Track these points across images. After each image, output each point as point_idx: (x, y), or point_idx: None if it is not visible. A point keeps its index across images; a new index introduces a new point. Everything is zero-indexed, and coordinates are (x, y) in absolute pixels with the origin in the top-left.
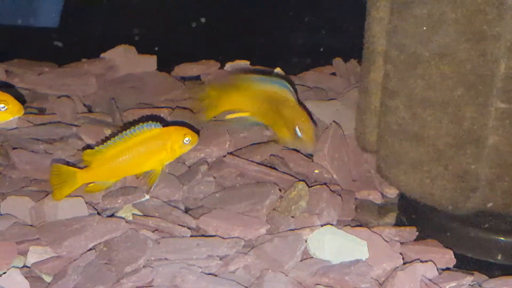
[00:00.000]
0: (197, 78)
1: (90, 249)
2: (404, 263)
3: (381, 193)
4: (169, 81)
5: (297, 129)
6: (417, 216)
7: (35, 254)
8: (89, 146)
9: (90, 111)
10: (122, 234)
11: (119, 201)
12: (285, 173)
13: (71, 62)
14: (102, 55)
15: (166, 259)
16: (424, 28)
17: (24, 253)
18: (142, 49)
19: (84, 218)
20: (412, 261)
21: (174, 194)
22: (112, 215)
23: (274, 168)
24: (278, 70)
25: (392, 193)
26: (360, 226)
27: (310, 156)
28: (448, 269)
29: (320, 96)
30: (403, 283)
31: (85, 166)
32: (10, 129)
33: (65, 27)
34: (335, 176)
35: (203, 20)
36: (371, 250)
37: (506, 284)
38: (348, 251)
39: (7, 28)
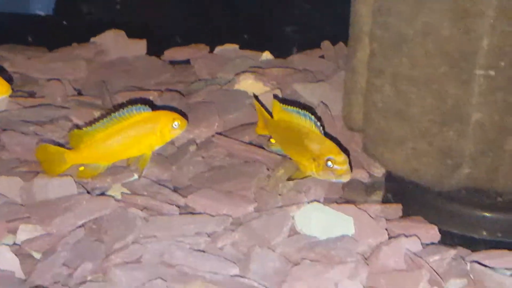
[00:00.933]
0: (187, 62)
1: (80, 227)
2: (389, 239)
3: (368, 172)
4: (158, 65)
5: (329, 163)
6: (403, 194)
7: (25, 232)
8: (77, 127)
9: (80, 94)
10: (111, 212)
11: (108, 180)
12: (273, 152)
13: (61, 47)
14: (92, 39)
15: (154, 236)
16: (408, 6)
17: (14, 231)
18: (132, 34)
19: (73, 196)
20: (397, 236)
21: (163, 174)
22: (102, 194)
23: (262, 148)
24: (266, 53)
25: (379, 172)
26: (347, 203)
27: None
28: (432, 244)
29: (309, 79)
30: (387, 257)
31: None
32: (0, 112)
33: (56, 12)
34: None
35: (192, 4)
36: (357, 226)
37: (488, 257)
38: (335, 227)
39: None
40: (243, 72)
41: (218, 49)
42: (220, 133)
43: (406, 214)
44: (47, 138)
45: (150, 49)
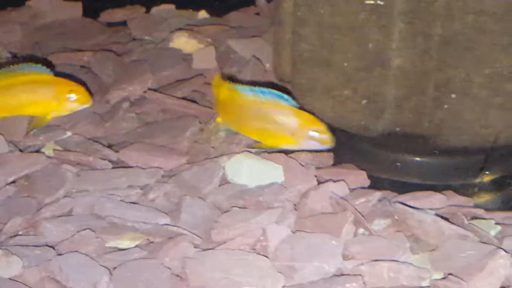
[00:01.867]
0: (123, 23)
1: (10, 184)
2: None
3: None
4: (94, 27)
5: (311, 132)
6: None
7: None
8: None
9: (15, 57)
10: (42, 168)
11: (40, 138)
12: (206, 106)
13: None
14: (27, 3)
15: (86, 190)
16: None
17: None
18: None
19: (3, 154)
20: (325, 182)
21: (97, 131)
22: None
23: (195, 102)
24: (202, 12)
25: None
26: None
27: None
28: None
29: (243, 35)
30: (315, 201)
31: None
32: None
33: None
34: None
35: None
36: (286, 174)
37: (414, 198)
38: (264, 175)
39: None
40: (178, 30)
41: (154, 9)
42: (153, 90)
43: (338, 162)
44: None
45: (86, 11)
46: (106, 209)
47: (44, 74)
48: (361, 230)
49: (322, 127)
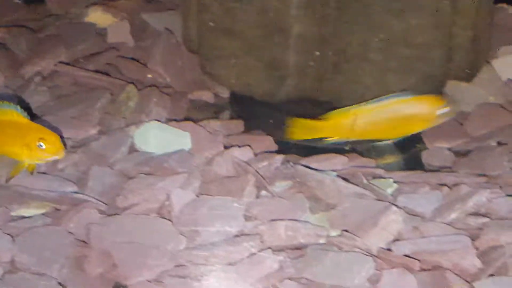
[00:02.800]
0: (42, 1)
1: None
2: None
3: (214, 94)
4: (11, 3)
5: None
6: (243, 109)
7: None
8: None
9: None
10: None
11: None
12: (117, 78)
13: None
14: None
15: None
16: None
17: None
18: None
19: None
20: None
21: None
22: None
23: (107, 74)
24: None
25: (224, 92)
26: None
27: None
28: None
29: (158, 8)
30: (219, 166)
31: None
32: None
33: None
34: (168, 80)
35: None
36: (194, 141)
37: (317, 161)
38: (172, 142)
39: None
40: (93, 4)
41: None
42: (66, 63)
43: (249, 128)
44: None
45: None
46: (12, 179)
47: (19, 116)
48: (263, 192)
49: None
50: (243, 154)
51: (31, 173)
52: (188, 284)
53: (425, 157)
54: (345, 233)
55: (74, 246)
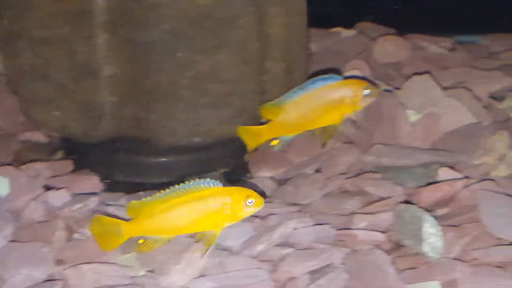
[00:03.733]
0: None
1: None
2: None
3: (48, 134)
4: None
5: None
6: (71, 149)
7: None
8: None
9: None
10: None
11: None
12: None
13: None
14: None
15: None
16: None
17: None
18: None
19: None
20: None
21: None
22: None
23: None
24: None
25: None
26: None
27: None
28: (94, 193)
29: None
30: (33, 211)
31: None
32: None
33: None
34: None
35: None
36: (12, 186)
37: (135, 198)
38: None
39: None
40: None
41: None
42: None
43: (78, 168)
44: None
45: None
46: None
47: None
48: (76, 235)
49: None
50: (58, 197)
51: None
52: None
53: (249, 187)
54: (149, 273)
55: None
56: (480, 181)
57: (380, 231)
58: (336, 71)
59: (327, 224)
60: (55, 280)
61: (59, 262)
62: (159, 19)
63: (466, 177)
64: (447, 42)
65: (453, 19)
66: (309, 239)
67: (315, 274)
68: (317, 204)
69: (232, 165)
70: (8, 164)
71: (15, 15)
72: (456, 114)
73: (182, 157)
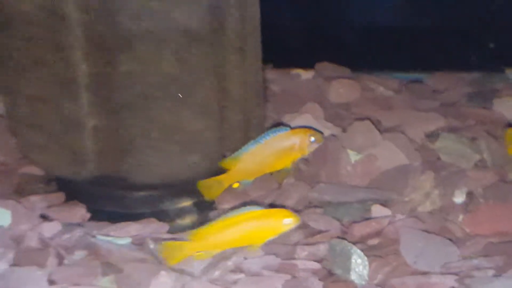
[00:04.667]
0: None
1: None
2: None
3: None
4: None
5: None
6: (63, 184)
7: None
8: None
9: None
10: None
11: None
12: None
13: None
14: None
15: None
16: (20, 41)
17: None
18: None
19: None
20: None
21: None
22: None
23: None
24: None
25: None
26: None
27: None
28: (79, 225)
29: None
30: (30, 239)
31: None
32: None
33: None
34: (2, 158)
35: None
36: (14, 217)
37: (116, 228)
38: None
39: None
40: None
41: None
42: None
43: (69, 199)
44: None
45: None
46: None
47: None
48: (66, 261)
49: None
50: (50, 228)
51: None
52: None
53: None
54: None
55: None
56: (405, 217)
57: (317, 261)
58: (284, 124)
59: (273, 254)
60: None
61: (51, 282)
62: (132, 84)
63: (394, 214)
64: (394, 83)
65: (404, 58)
66: (258, 267)
67: None
68: None
69: (200, 197)
70: (10, 197)
71: (10, 75)
72: (391, 155)
73: (157, 192)
